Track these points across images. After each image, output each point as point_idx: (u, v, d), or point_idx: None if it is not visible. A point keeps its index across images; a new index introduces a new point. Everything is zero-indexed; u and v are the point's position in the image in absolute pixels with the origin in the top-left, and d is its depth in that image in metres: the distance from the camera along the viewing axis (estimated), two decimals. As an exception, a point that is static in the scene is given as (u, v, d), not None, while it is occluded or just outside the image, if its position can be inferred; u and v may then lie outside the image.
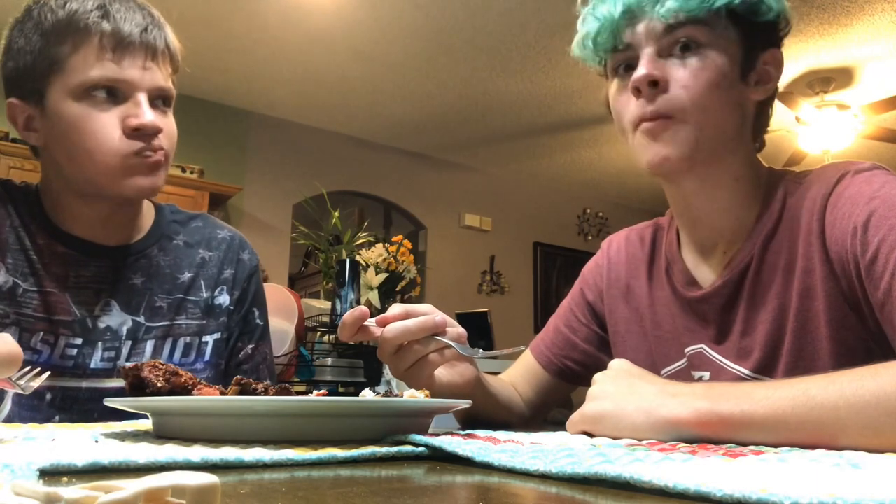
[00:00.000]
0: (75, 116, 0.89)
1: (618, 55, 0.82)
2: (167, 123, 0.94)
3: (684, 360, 0.88)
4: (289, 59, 4.01)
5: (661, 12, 0.76)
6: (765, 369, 0.79)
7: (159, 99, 0.94)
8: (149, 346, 0.98)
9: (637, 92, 0.78)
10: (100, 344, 0.96)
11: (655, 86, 0.77)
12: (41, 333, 0.93)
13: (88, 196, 0.95)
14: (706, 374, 0.84)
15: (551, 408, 1.05)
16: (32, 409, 0.90)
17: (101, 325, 0.96)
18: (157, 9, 0.96)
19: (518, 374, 1.03)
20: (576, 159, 5.53)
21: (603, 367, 0.70)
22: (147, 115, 0.90)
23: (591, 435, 0.64)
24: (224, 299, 1.07)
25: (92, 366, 0.95)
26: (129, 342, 0.97)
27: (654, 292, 0.93)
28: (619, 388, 0.65)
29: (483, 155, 5.49)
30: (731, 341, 0.83)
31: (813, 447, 0.53)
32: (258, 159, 4.71)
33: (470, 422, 0.90)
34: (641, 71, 0.77)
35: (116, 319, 0.97)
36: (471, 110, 4.68)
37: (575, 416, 0.66)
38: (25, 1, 0.94)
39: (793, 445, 0.54)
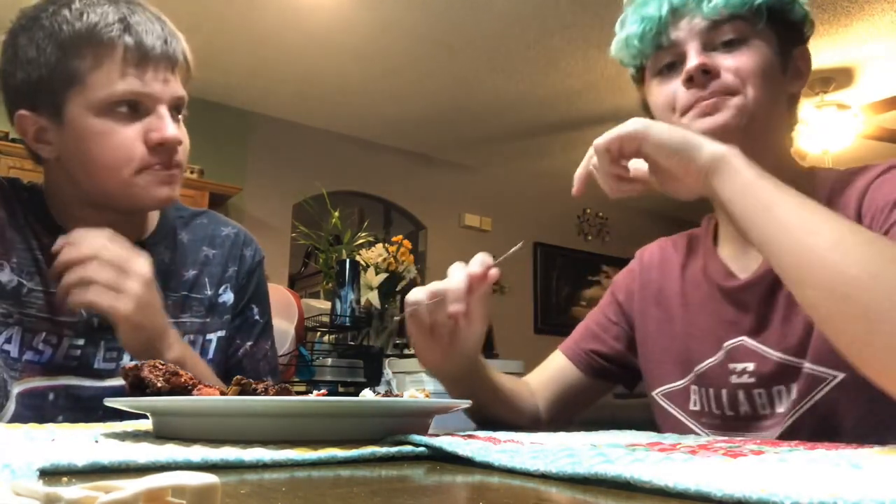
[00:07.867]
0: (97, 132, 0.87)
1: (661, 54, 0.86)
2: (184, 134, 0.95)
3: (721, 352, 0.88)
4: (289, 59, 4.01)
5: (706, 10, 0.81)
6: (802, 351, 0.80)
7: (175, 108, 0.94)
8: None
9: (689, 82, 0.82)
10: (102, 343, 0.95)
11: (707, 74, 0.81)
12: (44, 334, 0.92)
13: (100, 206, 0.94)
14: (750, 365, 0.84)
15: (573, 411, 1.04)
16: (35, 409, 0.89)
17: (105, 323, 0.95)
18: (157, 8, 0.96)
19: (540, 373, 1.04)
20: (576, 159, 5.36)
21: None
22: (170, 129, 0.90)
23: (590, 429, 0.64)
24: (228, 297, 1.07)
25: (95, 366, 0.94)
26: None
27: (687, 293, 0.95)
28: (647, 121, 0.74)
29: (483, 155, 5.48)
30: (771, 329, 0.83)
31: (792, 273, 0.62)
32: (258, 159, 4.71)
33: (475, 415, 0.91)
34: (694, 61, 0.81)
35: None
36: (471, 110, 4.67)
37: (606, 134, 0.75)
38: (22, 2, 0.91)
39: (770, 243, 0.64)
